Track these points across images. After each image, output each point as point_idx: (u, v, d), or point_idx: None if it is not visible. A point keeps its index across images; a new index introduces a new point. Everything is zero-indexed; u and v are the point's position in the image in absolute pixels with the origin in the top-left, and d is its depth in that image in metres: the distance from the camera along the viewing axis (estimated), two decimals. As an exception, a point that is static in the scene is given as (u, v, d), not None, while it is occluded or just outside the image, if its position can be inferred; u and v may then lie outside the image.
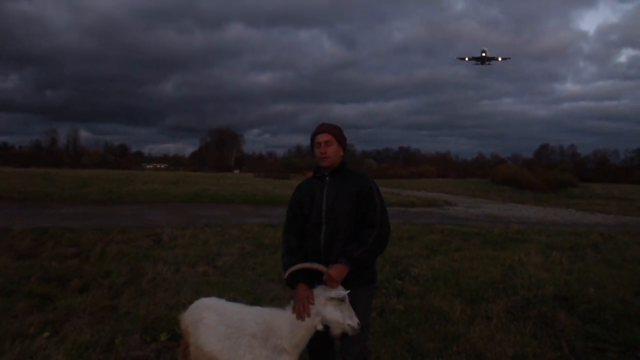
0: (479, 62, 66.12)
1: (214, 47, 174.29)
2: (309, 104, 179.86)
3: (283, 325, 2.68)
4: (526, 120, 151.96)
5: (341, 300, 2.65)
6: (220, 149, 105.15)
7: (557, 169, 67.43)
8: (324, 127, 3.07)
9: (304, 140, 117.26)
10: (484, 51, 64.40)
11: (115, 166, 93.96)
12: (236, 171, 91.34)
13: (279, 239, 9.61)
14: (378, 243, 2.86)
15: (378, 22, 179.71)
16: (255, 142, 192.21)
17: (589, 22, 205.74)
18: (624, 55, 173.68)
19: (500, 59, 66.07)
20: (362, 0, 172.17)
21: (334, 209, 2.93)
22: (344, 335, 2.67)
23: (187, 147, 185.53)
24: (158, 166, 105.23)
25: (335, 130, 3.08)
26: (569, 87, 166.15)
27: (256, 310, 2.84)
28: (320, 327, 2.67)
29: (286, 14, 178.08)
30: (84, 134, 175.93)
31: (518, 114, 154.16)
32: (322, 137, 3.03)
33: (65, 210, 16.13)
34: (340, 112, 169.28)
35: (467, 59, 66.34)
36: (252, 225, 12.94)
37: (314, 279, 2.81)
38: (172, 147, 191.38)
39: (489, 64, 66.23)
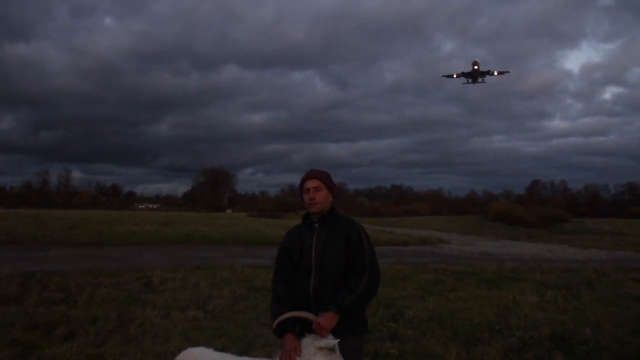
0: (470, 80, 57.80)
1: (208, 88, 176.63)
2: (302, 143, 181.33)
3: (271, 377, 2.61)
4: (517, 156, 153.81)
5: (331, 349, 2.59)
6: (213, 189, 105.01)
7: (549, 205, 67.68)
8: (313, 173, 3.08)
9: (297, 179, 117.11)
10: (475, 64, 55.98)
11: (107, 207, 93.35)
12: (229, 211, 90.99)
13: (270, 281, 9.43)
14: (368, 291, 2.83)
15: (370, 64, 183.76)
16: (248, 181, 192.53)
17: (573, 61, 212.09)
18: (609, 93, 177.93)
19: (496, 73, 57.20)
20: (354, 43, 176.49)
21: (324, 256, 2.90)
22: (335, 386, 2.59)
23: (179, 187, 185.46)
24: (150, 206, 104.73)
25: (324, 176, 3.08)
26: (558, 123, 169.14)
27: (244, 361, 2.76)
28: (310, 378, 2.60)
29: (280, 56, 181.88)
30: (76, 175, 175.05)
31: (509, 151, 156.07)
32: (311, 183, 3.03)
33: (54, 253, 15.89)
34: (333, 151, 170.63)
35: (455, 75, 57.69)
36: (244, 266, 12.79)
37: (304, 328, 2.76)
38: (164, 187, 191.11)
39: (483, 80, 57.76)
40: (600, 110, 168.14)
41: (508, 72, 58.98)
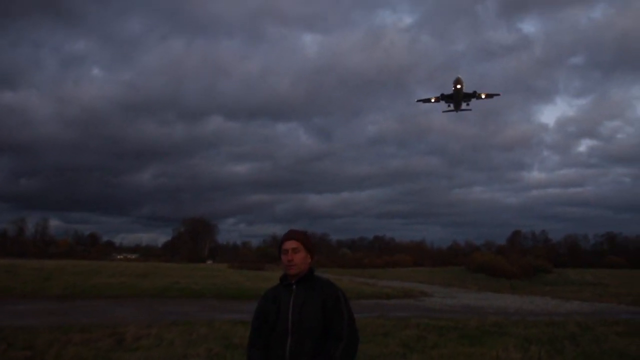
0: (451, 106, 48.80)
1: (193, 139, 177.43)
2: (285, 193, 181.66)
3: None
4: (497, 207, 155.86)
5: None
6: (194, 239, 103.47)
7: (531, 255, 68.06)
8: (291, 234, 3.04)
9: (280, 230, 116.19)
10: (458, 82, 46.84)
11: (83, 256, 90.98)
12: (209, 262, 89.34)
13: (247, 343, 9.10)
14: (346, 356, 2.73)
15: (353, 116, 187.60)
16: (230, 231, 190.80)
17: (549, 115, 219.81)
18: (584, 145, 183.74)
19: (484, 96, 48.91)
20: (337, 96, 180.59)
21: (301, 320, 2.82)
22: None
23: (159, 237, 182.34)
24: (129, 256, 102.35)
25: (302, 237, 3.03)
26: (536, 175, 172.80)
27: None
28: None
29: (265, 108, 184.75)
30: (54, 223, 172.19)
31: (489, 202, 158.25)
32: (289, 244, 2.98)
33: (24, 307, 15.26)
34: (316, 201, 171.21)
35: (433, 99, 49.69)
36: (222, 322, 12.39)
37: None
38: (144, 237, 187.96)
39: (468, 105, 48.72)
40: (577, 162, 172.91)
41: (498, 94, 50.91)
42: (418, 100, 52.55)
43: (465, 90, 47.77)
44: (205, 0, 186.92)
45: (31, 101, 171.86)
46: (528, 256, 65.89)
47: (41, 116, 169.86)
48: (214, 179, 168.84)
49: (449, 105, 50.28)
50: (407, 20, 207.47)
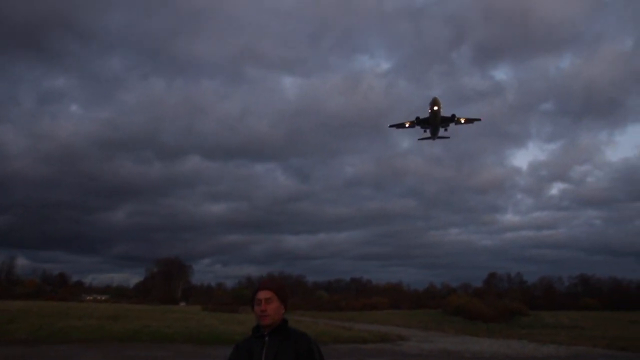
0: (427, 132, 45.14)
1: (170, 178, 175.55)
2: (262, 234, 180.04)
3: None
4: (473, 249, 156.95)
5: None
6: (167, 280, 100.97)
7: (507, 298, 68.20)
8: (265, 284, 3.00)
9: (255, 271, 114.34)
10: (435, 103, 42.12)
11: (51, 297, 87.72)
12: (182, 304, 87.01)
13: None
14: None
15: (331, 158, 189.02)
16: (205, 272, 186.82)
17: (521, 159, 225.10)
18: (555, 189, 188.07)
19: (463, 121, 44.85)
20: (315, 138, 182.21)
21: (273, 373, 2.75)
22: None
23: (131, 278, 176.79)
24: (99, 298, 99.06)
25: (276, 287, 3.00)
26: (510, 217, 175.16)
27: None
28: None
29: (243, 148, 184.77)
30: (22, 262, 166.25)
31: (465, 244, 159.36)
32: (263, 294, 2.94)
33: (-15, 354, 14.56)
34: (293, 242, 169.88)
35: (407, 124, 45.53)
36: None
37: None
38: (116, 277, 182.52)
39: (446, 130, 45.10)
40: (549, 205, 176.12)
41: (479, 119, 47.48)
42: (391, 126, 49.25)
43: (443, 113, 44.03)
44: (187, 41, 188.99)
45: (6, 136, 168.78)
46: (504, 299, 66.03)
47: (15, 151, 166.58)
48: (189, 218, 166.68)
49: (425, 131, 46.80)
50: (385, 65, 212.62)
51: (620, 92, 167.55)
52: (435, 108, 43.14)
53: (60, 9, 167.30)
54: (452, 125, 46.50)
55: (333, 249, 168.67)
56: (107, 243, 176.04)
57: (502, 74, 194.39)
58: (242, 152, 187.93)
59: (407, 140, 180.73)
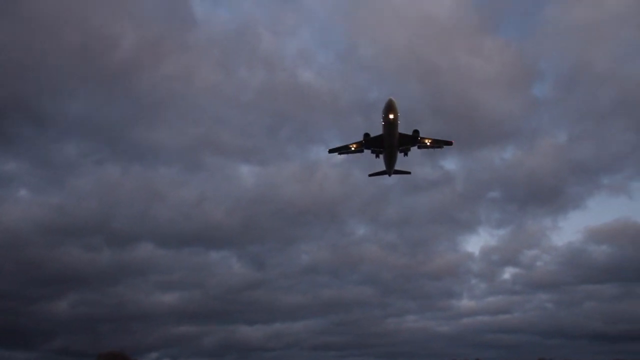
0: (380, 157, 34.82)
1: (120, 266, 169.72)
2: (214, 325, 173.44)
3: None
4: (431, 336, 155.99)
5: None
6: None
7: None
8: None
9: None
10: (391, 109, 31.55)
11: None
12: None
13: None
14: None
15: (286, 245, 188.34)
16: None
17: (473, 245, 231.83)
18: (507, 273, 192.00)
19: (429, 143, 34.90)
20: (272, 225, 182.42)
21: None
22: None
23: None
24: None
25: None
26: (465, 303, 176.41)
27: None
28: None
29: (198, 235, 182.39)
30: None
31: (422, 331, 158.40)
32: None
33: None
34: (247, 333, 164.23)
35: (354, 147, 35.34)
36: None
37: None
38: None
39: (406, 155, 34.17)
40: (502, 290, 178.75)
41: (450, 143, 37.44)
42: (331, 151, 38.03)
43: (403, 130, 33.03)
44: (146, 129, 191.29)
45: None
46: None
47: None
48: (138, 308, 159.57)
49: (377, 156, 36.03)
50: (339, 155, 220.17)
51: (559, 181, 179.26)
52: (391, 116, 32.31)
53: (18, 93, 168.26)
54: (415, 151, 33.23)
55: (289, 340, 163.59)
56: (46, 336, 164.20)
57: (451, 164, 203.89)
58: (197, 239, 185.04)
59: (363, 229, 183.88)
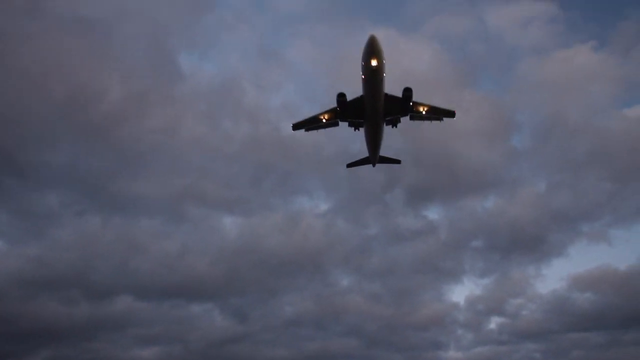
0: (360, 129, 30.01)
1: (97, 319, 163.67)
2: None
3: None
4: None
5: None
6: None
7: None
8: None
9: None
10: (373, 52, 26.43)
11: None
12: None
13: None
14: None
15: (270, 297, 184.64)
16: None
17: (458, 294, 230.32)
18: (493, 323, 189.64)
19: (424, 111, 28.97)
20: (255, 277, 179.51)
21: None
22: None
23: None
24: None
25: None
26: (452, 354, 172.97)
27: None
28: None
29: (180, 288, 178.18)
30: None
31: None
32: None
33: None
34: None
35: (325, 118, 28.21)
36: None
37: None
38: None
39: (395, 128, 29.66)
40: (489, 340, 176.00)
41: (452, 114, 30.37)
42: (296, 127, 28.47)
43: (389, 91, 24.73)
44: (130, 180, 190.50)
45: None
46: None
47: None
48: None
49: (356, 129, 27.80)
50: (323, 206, 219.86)
51: (541, 229, 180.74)
52: (374, 63, 23.93)
53: (0, 143, 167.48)
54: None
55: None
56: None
57: (433, 214, 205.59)
58: (178, 291, 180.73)
59: (347, 279, 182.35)
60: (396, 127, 28.46)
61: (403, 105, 24.01)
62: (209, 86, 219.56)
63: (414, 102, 22.87)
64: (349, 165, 32.28)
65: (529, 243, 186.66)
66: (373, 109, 23.09)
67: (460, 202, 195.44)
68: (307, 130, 28.55)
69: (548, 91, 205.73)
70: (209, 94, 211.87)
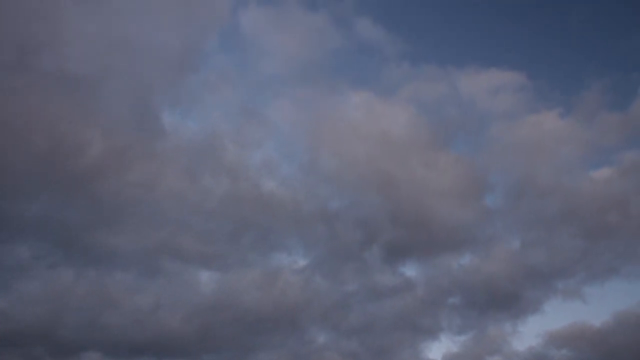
0: None
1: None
2: None
3: None
4: None
5: None
6: None
7: None
8: None
9: None
10: None
11: None
12: None
13: None
14: None
15: (245, 354, 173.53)
16: None
17: (436, 351, 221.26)
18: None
19: None
20: (230, 333, 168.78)
21: None
22: None
23: None
24: None
25: None
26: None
27: None
28: None
29: (151, 344, 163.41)
30: None
31: None
32: None
33: None
34: None
35: None
36: None
37: None
38: None
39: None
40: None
41: None
42: None
43: None
44: (104, 233, 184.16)
45: None
46: None
47: None
48: None
49: None
50: (302, 262, 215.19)
51: (516, 286, 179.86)
52: None
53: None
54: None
55: None
56: None
57: (410, 270, 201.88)
58: (149, 348, 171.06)
59: (324, 336, 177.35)
60: None
61: None
62: (190, 142, 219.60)
63: None
64: None
65: (505, 300, 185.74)
66: None
67: (437, 259, 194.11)
68: None
69: (519, 153, 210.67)
70: (190, 150, 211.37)
